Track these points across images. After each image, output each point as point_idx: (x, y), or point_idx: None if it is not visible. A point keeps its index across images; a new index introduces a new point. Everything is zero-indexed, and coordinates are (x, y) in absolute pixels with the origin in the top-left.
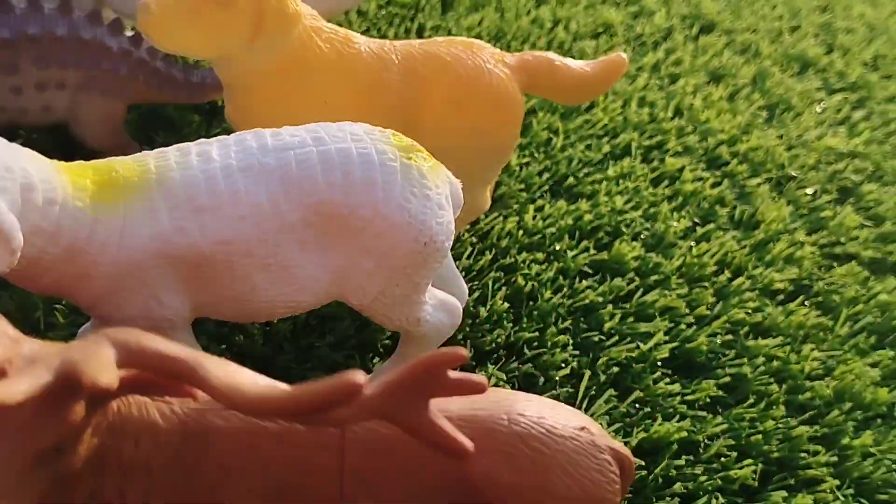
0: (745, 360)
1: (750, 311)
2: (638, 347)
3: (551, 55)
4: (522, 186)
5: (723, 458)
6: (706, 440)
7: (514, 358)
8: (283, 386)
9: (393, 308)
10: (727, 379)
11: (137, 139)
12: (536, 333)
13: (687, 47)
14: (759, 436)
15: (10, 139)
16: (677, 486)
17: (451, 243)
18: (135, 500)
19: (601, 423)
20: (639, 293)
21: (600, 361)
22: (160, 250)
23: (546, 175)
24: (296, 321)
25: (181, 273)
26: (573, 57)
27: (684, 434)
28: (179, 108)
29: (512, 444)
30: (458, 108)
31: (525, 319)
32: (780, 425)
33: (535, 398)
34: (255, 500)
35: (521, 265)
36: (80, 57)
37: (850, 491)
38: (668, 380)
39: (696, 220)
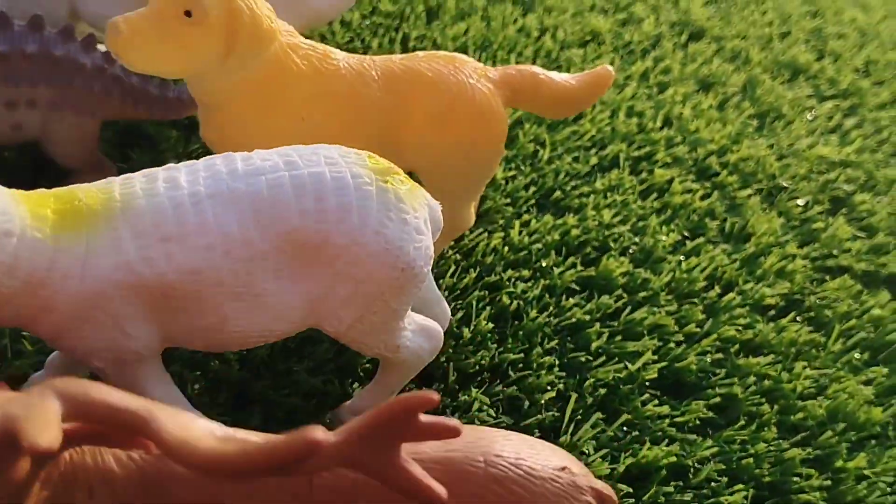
0: (736, 379)
1: (741, 327)
2: (626, 368)
3: (535, 69)
4: (508, 201)
5: (713, 483)
6: (696, 464)
7: (498, 381)
8: (241, 435)
9: (370, 335)
10: (717, 399)
11: (113, 157)
12: (522, 354)
13: (676, 55)
14: (751, 459)
15: None
16: None
17: (431, 267)
18: None
19: (588, 449)
20: (627, 310)
21: (587, 383)
22: (125, 281)
23: (532, 188)
24: (273, 345)
25: (148, 304)
26: (560, 66)
27: (673, 459)
28: (157, 123)
29: (488, 487)
30: (440, 124)
31: (510, 340)
32: (771, 448)
33: (513, 436)
34: None
35: (507, 283)
36: (52, 74)
37: None
38: (656, 401)
39: (686, 233)
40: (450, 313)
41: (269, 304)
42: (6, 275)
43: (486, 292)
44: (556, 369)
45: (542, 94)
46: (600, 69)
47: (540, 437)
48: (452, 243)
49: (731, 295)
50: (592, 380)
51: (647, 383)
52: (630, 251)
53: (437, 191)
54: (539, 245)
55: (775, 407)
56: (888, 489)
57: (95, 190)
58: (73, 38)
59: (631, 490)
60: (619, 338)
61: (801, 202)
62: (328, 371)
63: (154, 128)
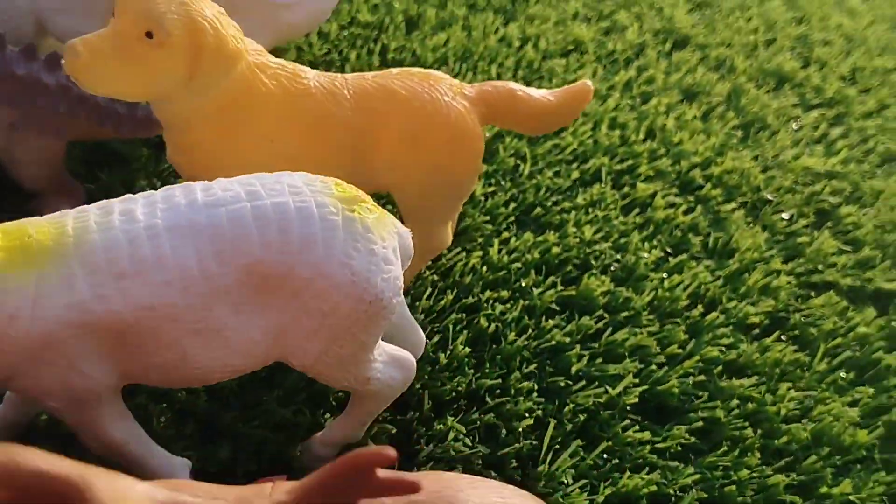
0: (719, 402)
1: (724, 347)
2: (606, 392)
3: (513, 85)
4: (487, 218)
5: None
6: (677, 492)
7: (475, 408)
8: (185, 497)
9: (339, 368)
10: (700, 423)
11: (81, 176)
12: (499, 380)
13: (660, 64)
14: (733, 486)
15: None
16: None
17: (401, 297)
18: None
19: (566, 479)
20: (608, 331)
21: (566, 409)
22: (78, 320)
23: (513, 205)
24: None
25: (104, 342)
26: (543, 77)
27: (654, 487)
28: (127, 141)
29: None
30: (414, 143)
31: (488, 365)
32: (754, 474)
33: (479, 483)
34: None
35: (485, 305)
36: (13, 94)
37: None
38: (637, 427)
39: (668, 249)
40: (424, 340)
41: (231, 339)
42: None
43: (464, 315)
44: (535, 395)
45: (520, 111)
46: (579, 84)
47: (517, 467)
48: (430, 263)
49: (714, 314)
50: (572, 405)
51: (627, 408)
52: (611, 269)
53: (412, 211)
54: (518, 264)
55: (759, 431)
56: None
57: (47, 224)
58: (35, 56)
59: None
60: (599, 360)
61: (785, 215)
62: (299, 401)
63: (124, 146)
